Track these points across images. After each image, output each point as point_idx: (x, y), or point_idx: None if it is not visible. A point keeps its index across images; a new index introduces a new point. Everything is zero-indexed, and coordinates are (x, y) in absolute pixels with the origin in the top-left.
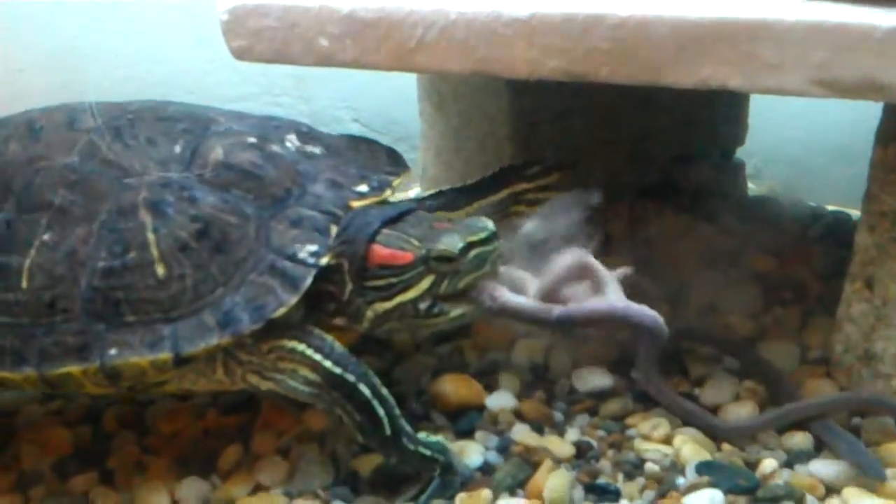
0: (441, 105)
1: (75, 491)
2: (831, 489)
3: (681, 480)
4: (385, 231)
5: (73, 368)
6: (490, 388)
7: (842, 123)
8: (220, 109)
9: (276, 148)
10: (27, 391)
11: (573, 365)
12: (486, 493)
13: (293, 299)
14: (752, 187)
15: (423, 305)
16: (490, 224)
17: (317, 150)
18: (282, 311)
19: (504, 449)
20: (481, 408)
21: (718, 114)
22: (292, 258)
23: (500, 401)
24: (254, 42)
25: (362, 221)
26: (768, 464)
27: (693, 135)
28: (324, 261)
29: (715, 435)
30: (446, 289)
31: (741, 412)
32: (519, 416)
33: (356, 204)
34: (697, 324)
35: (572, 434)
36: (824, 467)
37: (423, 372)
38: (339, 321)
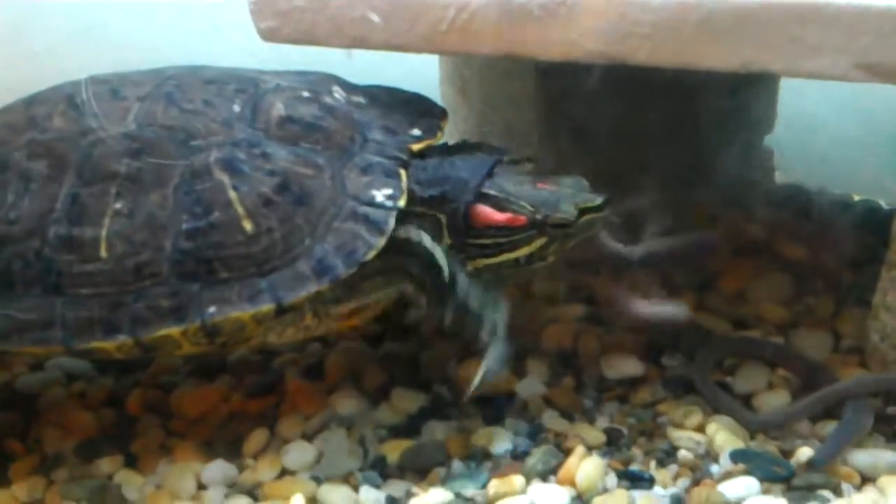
0: (464, 89)
1: (99, 474)
2: (867, 478)
3: (714, 468)
4: (488, 190)
5: (173, 330)
6: (518, 374)
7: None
8: (255, 69)
9: (328, 100)
10: (115, 358)
11: (602, 351)
12: (517, 478)
13: (381, 241)
14: (778, 175)
15: (523, 259)
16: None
17: (362, 99)
18: (372, 254)
19: (534, 435)
20: (511, 394)
21: (748, 100)
22: (371, 203)
23: (530, 387)
24: (282, 23)
25: (457, 176)
26: (804, 452)
27: (722, 121)
28: (401, 202)
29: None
30: (554, 250)
31: (774, 401)
32: (548, 402)
33: (416, 147)
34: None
35: (602, 421)
36: (860, 456)
37: (449, 357)
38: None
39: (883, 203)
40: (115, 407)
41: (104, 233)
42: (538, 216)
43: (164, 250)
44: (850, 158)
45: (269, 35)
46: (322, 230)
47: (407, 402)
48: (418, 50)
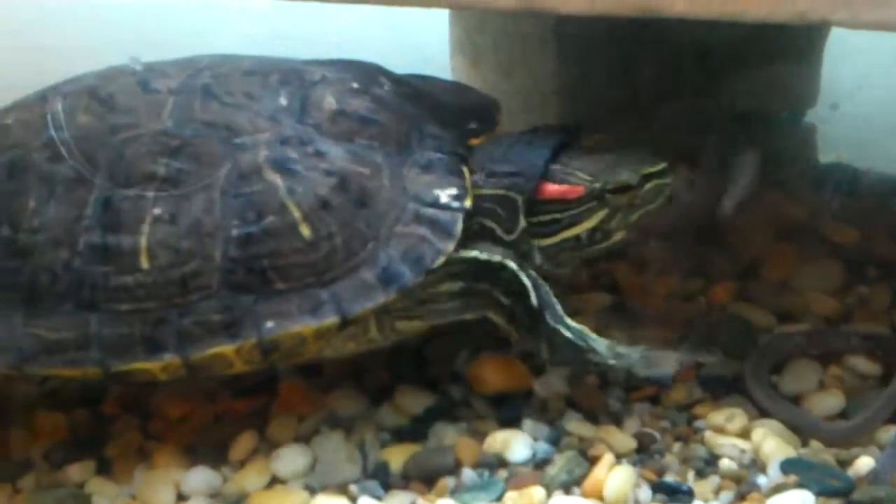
0: (477, 60)
1: (69, 482)
2: None
3: (762, 480)
4: (550, 166)
5: (226, 347)
6: (536, 370)
7: None
8: (295, 59)
9: (378, 91)
10: (159, 380)
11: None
12: (537, 490)
13: (450, 246)
14: (820, 155)
15: (585, 236)
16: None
17: (410, 90)
18: (440, 259)
19: (556, 440)
20: (528, 393)
21: (789, 69)
22: (435, 204)
23: (549, 386)
24: None
25: (523, 154)
26: (863, 462)
27: (760, 92)
28: (467, 203)
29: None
30: (618, 223)
31: (827, 403)
32: (570, 403)
33: (475, 141)
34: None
35: (632, 425)
36: None
37: (458, 351)
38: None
39: None
40: (89, 406)
41: (144, 241)
42: (597, 184)
43: (213, 260)
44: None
45: None
46: (385, 234)
47: (412, 401)
48: (429, 4)
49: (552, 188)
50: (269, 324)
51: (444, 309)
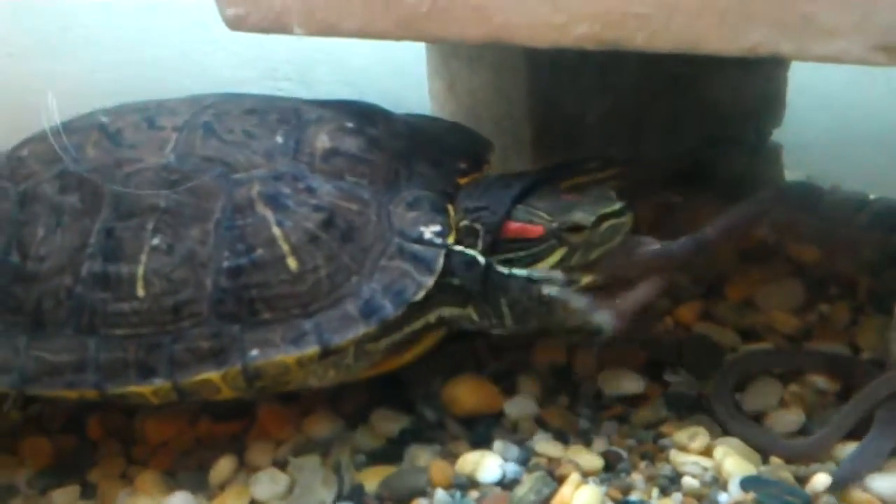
0: (452, 84)
1: None
2: None
3: (723, 497)
4: (517, 206)
5: (213, 374)
6: (508, 392)
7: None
8: (294, 97)
9: (372, 131)
10: (151, 403)
11: (599, 367)
12: None
13: (430, 280)
14: (787, 174)
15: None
16: (615, 196)
17: (404, 129)
18: (421, 293)
19: (525, 461)
20: (499, 414)
21: (754, 92)
22: (419, 240)
23: (520, 406)
24: (250, 10)
25: (495, 193)
26: (820, 480)
27: (727, 115)
28: (450, 240)
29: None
30: (577, 261)
31: (788, 420)
32: (541, 423)
33: (463, 181)
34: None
35: (600, 444)
36: (883, 482)
37: (433, 374)
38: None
39: None
40: (74, 432)
41: (141, 270)
42: (553, 224)
43: (204, 289)
44: (860, 155)
45: (235, 23)
46: (369, 268)
47: (388, 424)
48: (397, 37)
49: (514, 226)
50: (254, 352)
51: (406, 317)
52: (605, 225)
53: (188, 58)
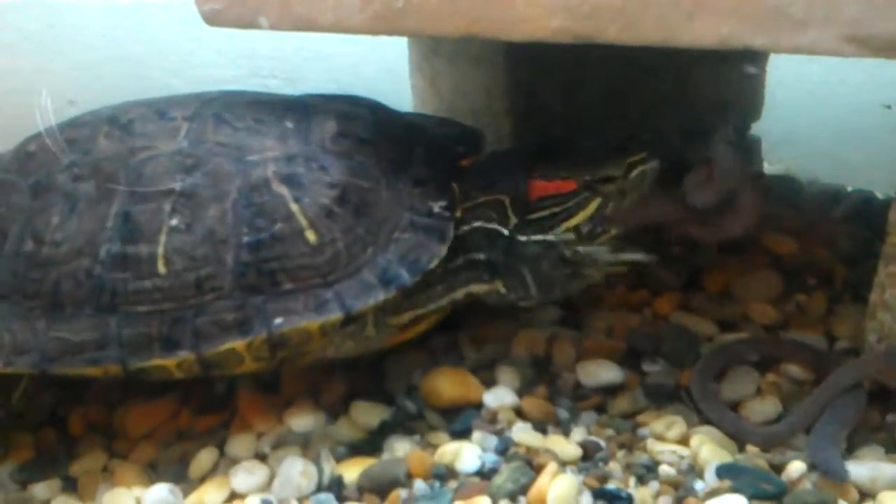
0: (434, 79)
1: (35, 500)
2: (866, 494)
3: (699, 485)
4: (537, 165)
5: (238, 343)
6: (488, 383)
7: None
8: (294, 94)
9: (374, 118)
10: (175, 377)
11: (578, 357)
12: (484, 500)
13: (443, 250)
14: (767, 166)
15: (585, 228)
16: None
17: (403, 121)
18: (435, 261)
19: (503, 450)
20: (478, 405)
21: (733, 85)
22: (429, 214)
23: (499, 397)
24: (226, 5)
25: (504, 166)
26: (795, 467)
27: (705, 108)
28: (458, 213)
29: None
30: (612, 209)
31: (763, 408)
32: (520, 413)
33: (465, 162)
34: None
35: (578, 433)
36: (857, 469)
37: (414, 366)
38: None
39: (878, 193)
40: (56, 426)
41: (161, 249)
42: (587, 176)
43: (225, 264)
44: (837, 148)
45: (212, 18)
46: (383, 241)
47: (368, 415)
48: (372, 31)
49: (543, 185)
50: (278, 320)
51: (423, 297)
52: (635, 172)
53: (174, 56)
